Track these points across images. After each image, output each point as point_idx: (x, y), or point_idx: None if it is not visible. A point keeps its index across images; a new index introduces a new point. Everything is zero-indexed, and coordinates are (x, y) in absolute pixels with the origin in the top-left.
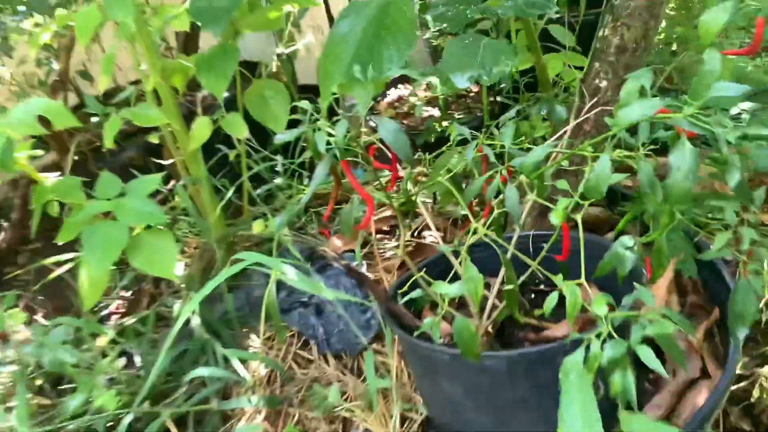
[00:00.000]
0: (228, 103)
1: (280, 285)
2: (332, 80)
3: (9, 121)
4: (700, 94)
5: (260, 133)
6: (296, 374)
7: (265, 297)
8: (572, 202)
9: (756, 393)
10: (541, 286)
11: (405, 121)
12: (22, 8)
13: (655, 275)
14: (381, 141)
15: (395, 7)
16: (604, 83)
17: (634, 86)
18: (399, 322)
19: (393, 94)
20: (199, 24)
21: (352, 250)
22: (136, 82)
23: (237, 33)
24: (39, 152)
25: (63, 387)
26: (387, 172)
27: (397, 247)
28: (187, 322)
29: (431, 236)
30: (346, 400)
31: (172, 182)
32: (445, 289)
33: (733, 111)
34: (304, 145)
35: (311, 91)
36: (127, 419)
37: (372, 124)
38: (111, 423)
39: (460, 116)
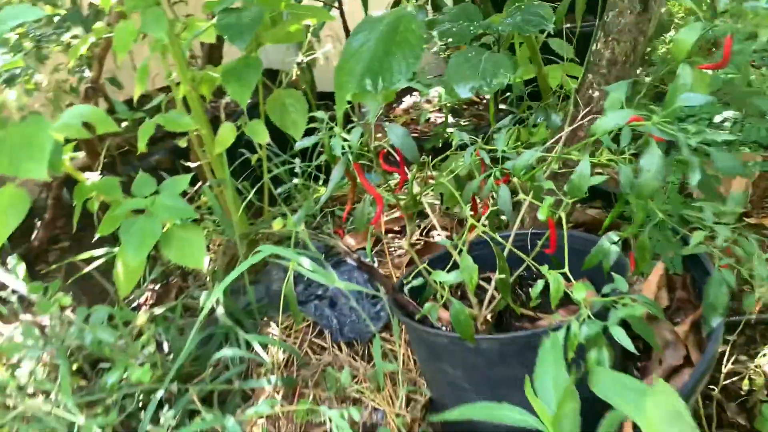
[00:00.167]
0: (250, 110)
1: (298, 279)
2: (346, 90)
3: (58, 126)
4: (671, 104)
5: (280, 139)
6: (312, 360)
7: (283, 286)
8: (564, 203)
9: (746, 386)
10: (539, 281)
11: (418, 127)
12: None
13: (639, 268)
14: (391, 146)
15: (405, 24)
16: (596, 93)
17: (617, 97)
18: (404, 310)
19: (408, 100)
20: (226, 38)
21: (365, 249)
22: (163, 89)
23: (259, 45)
24: (79, 154)
25: (100, 369)
26: (397, 176)
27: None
28: (213, 311)
29: (439, 235)
30: (356, 382)
31: (199, 183)
32: (443, 277)
33: (717, 119)
34: (321, 149)
35: (329, 99)
36: (159, 394)
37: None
38: (142, 401)
39: (466, 123)
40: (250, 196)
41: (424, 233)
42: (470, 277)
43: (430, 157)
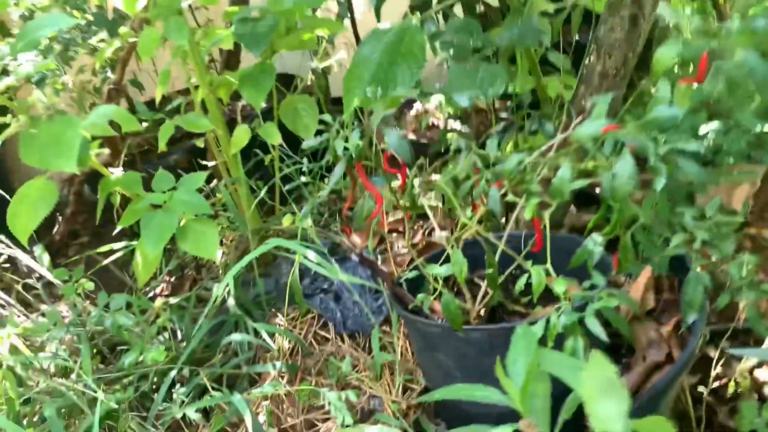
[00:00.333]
0: (265, 113)
1: (305, 273)
2: (354, 96)
3: (86, 124)
4: (648, 115)
5: (293, 140)
6: (315, 350)
7: (290, 278)
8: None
9: (731, 389)
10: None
11: (428, 133)
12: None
13: (622, 269)
14: None
15: (409, 36)
16: (589, 104)
17: (602, 108)
18: (402, 303)
19: (419, 106)
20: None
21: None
22: (183, 91)
23: (274, 52)
24: (105, 150)
25: (118, 352)
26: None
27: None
28: (224, 301)
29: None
30: (356, 371)
31: (214, 181)
32: (435, 270)
33: (703, 130)
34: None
35: (342, 103)
36: (172, 374)
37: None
38: (157, 382)
39: (467, 130)
40: (262, 194)
41: (426, 233)
42: (459, 270)
43: (427, 160)
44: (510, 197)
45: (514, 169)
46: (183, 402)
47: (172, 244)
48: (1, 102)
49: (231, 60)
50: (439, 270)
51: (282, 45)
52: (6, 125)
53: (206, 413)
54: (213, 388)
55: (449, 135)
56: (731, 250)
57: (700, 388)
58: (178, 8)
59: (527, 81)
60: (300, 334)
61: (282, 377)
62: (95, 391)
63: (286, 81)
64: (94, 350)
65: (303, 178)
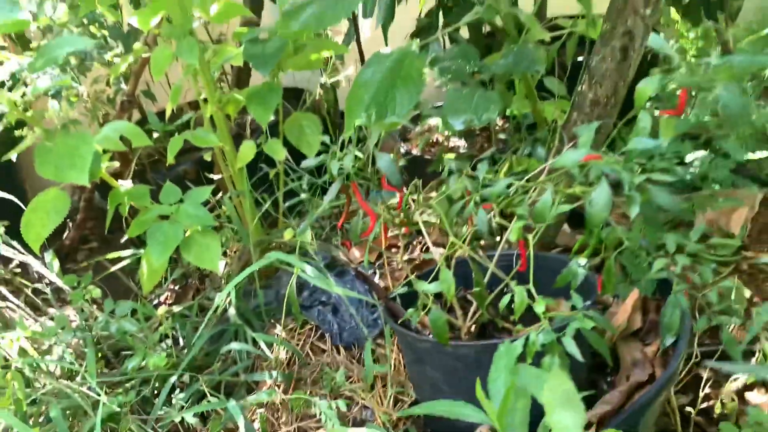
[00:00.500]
0: (272, 127)
1: (305, 285)
2: (355, 116)
3: (99, 138)
4: (629, 145)
5: (297, 156)
6: (312, 360)
7: (287, 289)
8: (543, 227)
9: (717, 409)
10: (506, 295)
11: (433, 149)
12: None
13: (605, 290)
14: None
15: (409, 61)
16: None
17: (587, 137)
18: (395, 317)
19: (425, 124)
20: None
21: (370, 261)
22: (192, 103)
23: (282, 70)
24: (115, 164)
25: (122, 357)
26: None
27: (406, 260)
28: (225, 310)
29: (438, 251)
30: (350, 382)
31: (220, 194)
32: (425, 287)
33: (689, 158)
34: None
35: None
36: (172, 380)
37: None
38: (158, 387)
39: (464, 151)
40: (266, 207)
41: (424, 249)
42: (447, 288)
43: (421, 181)
44: (497, 219)
45: (502, 193)
46: (182, 407)
47: (177, 254)
48: (18, 116)
49: (242, 75)
50: (429, 287)
51: (290, 64)
52: (21, 137)
53: (204, 418)
54: (211, 394)
55: (445, 156)
56: (711, 276)
57: (690, 408)
58: (189, 29)
59: (524, 105)
60: (297, 344)
61: (278, 386)
62: (99, 394)
63: (296, 95)
64: (99, 354)
65: (303, 195)
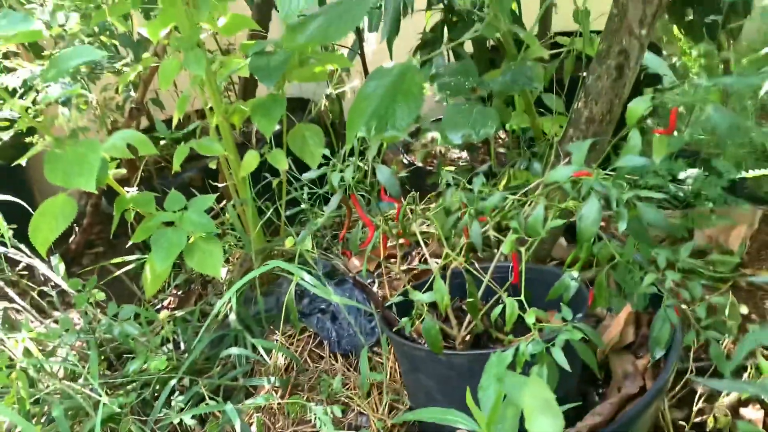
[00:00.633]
0: (276, 136)
1: (305, 293)
2: (356, 129)
3: (107, 146)
4: (619, 163)
5: (299, 165)
6: (310, 367)
7: (286, 297)
8: (538, 239)
9: (710, 424)
10: (497, 306)
11: (435, 160)
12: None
13: (596, 303)
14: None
15: (410, 75)
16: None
17: (581, 153)
18: (391, 326)
19: (428, 135)
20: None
21: (369, 270)
22: (199, 111)
23: (287, 82)
24: (122, 171)
25: (124, 360)
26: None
27: (404, 270)
28: (226, 316)
29: (436, 262)
30: (347, 389)
31: (224, 201)
32: (419, 296)
33: (682, 176)
34: None
35: None
36: (172, 383)
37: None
38: (158, 390)
39: (464, 163)
40: (268, 215)
41: (422, 260)
42: (441, 298)
43: (418, 193)
44: (492, 232)
45: (497, 206)
46: (181, 409)
47: (180, 260)
48: (29, 123)
49: (248, 85)
50: (423, 296)
51: (294, 76)
52: (30, 144)
53: (202, 421)
54: (210, 398)
55: (444, 168)
56: (700, 292)
57: (683, 423)
58: (197, 40)
59: (523, 120)
60: (296, 351)
61: (276, 391)
62: (100, 395)
63: (302, 105)
64: (102, 357)
65: (303, 205)
